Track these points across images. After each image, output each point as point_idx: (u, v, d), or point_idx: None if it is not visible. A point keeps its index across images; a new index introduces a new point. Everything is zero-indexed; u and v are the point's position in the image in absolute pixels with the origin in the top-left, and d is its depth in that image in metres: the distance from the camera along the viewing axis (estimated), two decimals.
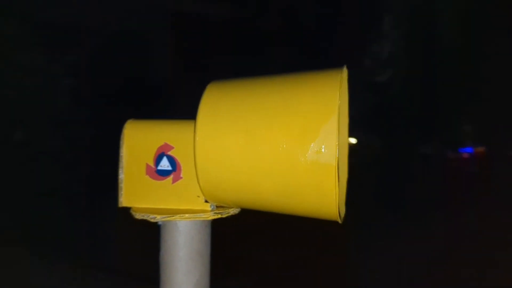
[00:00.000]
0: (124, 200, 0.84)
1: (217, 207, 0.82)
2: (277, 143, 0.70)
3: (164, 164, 0.81)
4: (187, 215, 0.78)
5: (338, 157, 0.75)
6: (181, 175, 0.81)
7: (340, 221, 0.75)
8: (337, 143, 0.67)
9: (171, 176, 0.81)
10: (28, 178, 3.72)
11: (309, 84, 0.72)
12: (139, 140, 0.83)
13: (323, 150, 0.67)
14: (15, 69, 3.92)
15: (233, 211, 0.83)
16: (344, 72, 0.77)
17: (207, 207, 0.80)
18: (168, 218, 0.78)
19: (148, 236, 1.07)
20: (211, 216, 0.79)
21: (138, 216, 0.80)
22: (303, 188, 0.70)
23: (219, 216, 0.80)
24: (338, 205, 0.77)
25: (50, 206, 4.04)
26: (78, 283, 2.92)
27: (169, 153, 0.81)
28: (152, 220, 0.79)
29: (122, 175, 0.83)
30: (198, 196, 0.80)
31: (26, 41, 3.95)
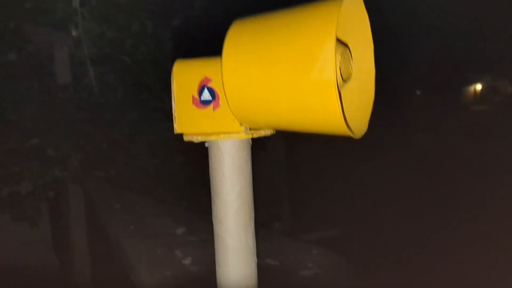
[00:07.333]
0: (178, 128, 1.00)
1: (251, 129, 0.95)
2: (286, 67, 0.80)
3: (206, 95, 0.96)
4: (222, 135, 0.92)
5: (348, 75, 0.84)
6: (220, 103, 0.94)
7: (353, 135, 0.84)
8: (335, 61, 0.75)
9: (212, 105, 0.95)
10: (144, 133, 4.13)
11: (312, 12, 0.80)
12: (185, 76, 0.98)
13: (324, 68, 0.76)
14: (129, 37, 4.26)
15: (264, 132, 0.95)
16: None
17: (242, 129, 0.94)
18: (206, 138, 0.93)
19: None
20: (243, 136, 0.92)
21: (185, 138, 0.97)
22: (312, 105, 0.80)
23: (250, 136, 0.93)
24: (353, 121, 0.86)
25: None
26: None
27: (209, 85, 0.95)
28: (196, 141, 0.95)
29: (174, 107, 1.00)
30: (234, 120, 0.93)
31: (136, 9, 4.26)
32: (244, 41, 0.86)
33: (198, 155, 1.10)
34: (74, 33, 2.76)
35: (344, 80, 0.88)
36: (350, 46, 0.91)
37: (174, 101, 1.00)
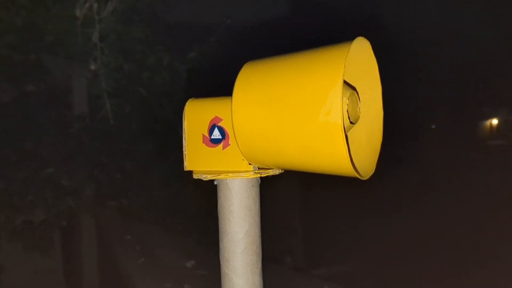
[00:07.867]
0: (188, 165, 1.02)
1: (259, 168, 0.96)
2: (294, 109, 0.82)
3: (216, 134, 0.97)
4: (230, 174, 0.93)
5: (355, 117, 0.85)
6: (229, 142, 0.96)
7: (360, 177, 0.84)
8: (341, 105, 0.76)
9: (222, 144, 0.97)
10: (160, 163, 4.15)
11: (320, 56, 0.82)
12: (196, 115, 1.00)
13: (331, 112, 0.78)
14: (146, 69, 4.35)
15: (272, 172, 0.96)
16: (359, 42, 0.85)
17: (250, 168, 0.95)
18: (215, 177, 0.94)
19: None
20: (251, 175, 0.93)
21: (195, 176, 0.98)
22: (319, 147, 0.81)
23: (259, 175, 0.94)
24: (361, 163, 0.87)
25: None
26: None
27: (219, 124, 0.97)
28: (205, 179, 0.96)
29: (185, 144, 1.02)
30: (243, 159, 0.95)
31: (153, 43, 4.37)
32: (253, 83, 0.88)
33: (211, 188, 1.11)
34: (92, 67, 2.84)
35: (351, 122, 0.89)
36: (358, 88, 0.92)
37: (185, 139, 1.02)
